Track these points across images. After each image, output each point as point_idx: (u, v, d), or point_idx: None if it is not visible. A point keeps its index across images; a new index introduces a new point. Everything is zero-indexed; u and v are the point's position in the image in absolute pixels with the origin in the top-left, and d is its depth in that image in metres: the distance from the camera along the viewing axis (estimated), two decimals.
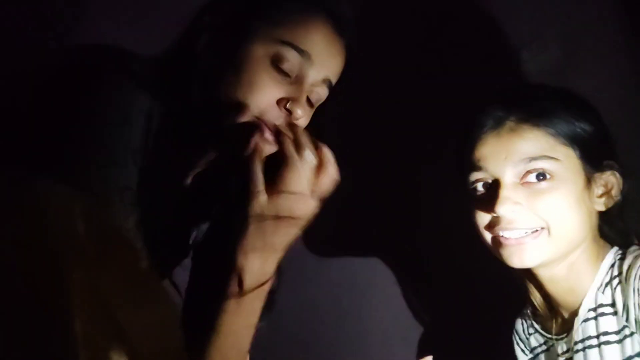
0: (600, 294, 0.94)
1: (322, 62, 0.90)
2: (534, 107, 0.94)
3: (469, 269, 1.21)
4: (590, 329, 0.94)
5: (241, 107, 0.86)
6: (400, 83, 1.33)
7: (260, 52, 0.87)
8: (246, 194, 0.81)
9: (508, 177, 0.92)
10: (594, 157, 0.94)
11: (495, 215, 0.93)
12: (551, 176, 0.91)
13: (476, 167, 0.95)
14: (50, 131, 0.79)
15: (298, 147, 0.82)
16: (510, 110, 0.94)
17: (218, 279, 0.82)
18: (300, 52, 0.88)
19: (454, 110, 1.11)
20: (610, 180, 0.96)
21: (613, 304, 0.92)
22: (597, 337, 0.93)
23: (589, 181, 0.94)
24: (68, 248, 0.37)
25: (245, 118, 0.86)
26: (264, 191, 0.80)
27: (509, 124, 0.93)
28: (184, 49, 0.90)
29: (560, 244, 0.93)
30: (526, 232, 0.92)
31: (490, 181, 0.95)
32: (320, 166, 0.82)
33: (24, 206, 0.37)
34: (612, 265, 0.94)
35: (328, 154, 0.83)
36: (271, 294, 0.85)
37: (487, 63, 1.28)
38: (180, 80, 0.88)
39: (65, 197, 0.39)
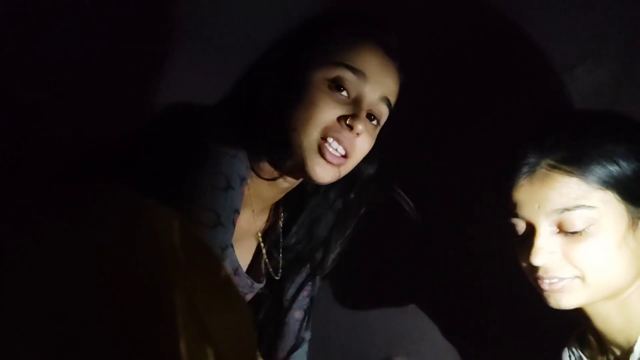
0: None
1: (376, 80, 0.98)
2: (567, 150, 0.92)
3: (514, 296, 1.22)
4: None
5: (307, 126, 0.95)
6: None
7: (319, 76, 0.97)
8: None
9: (543, 226, 0.92)
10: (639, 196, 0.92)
11: (532, 264, 0.93)
12: (587, 224, 0.89)
13: (512, 213, 0.95)
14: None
15: None
16: (543, 154, 0.93)
17: None
18: (355, 71, 0.97)
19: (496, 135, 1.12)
20: None
21: None
22: None
23: (634, 221, 0.92)
24: (170, 256, 0.44)
25: (311, 136, 0.96)
26: None
27: (542, 170, 0.92)
28: (252, 92, 1.01)
29: (597, 290, 0.92)
30: (561, 281, 0.92)
31: (526, 226, 0.94)
32: None
33: (137, 219, 0.44)
34: None
35: None
36: None
37: (536, 81, 1.29)
38: (257, 123, 1.00)
39: (166, 212, 0.46)
